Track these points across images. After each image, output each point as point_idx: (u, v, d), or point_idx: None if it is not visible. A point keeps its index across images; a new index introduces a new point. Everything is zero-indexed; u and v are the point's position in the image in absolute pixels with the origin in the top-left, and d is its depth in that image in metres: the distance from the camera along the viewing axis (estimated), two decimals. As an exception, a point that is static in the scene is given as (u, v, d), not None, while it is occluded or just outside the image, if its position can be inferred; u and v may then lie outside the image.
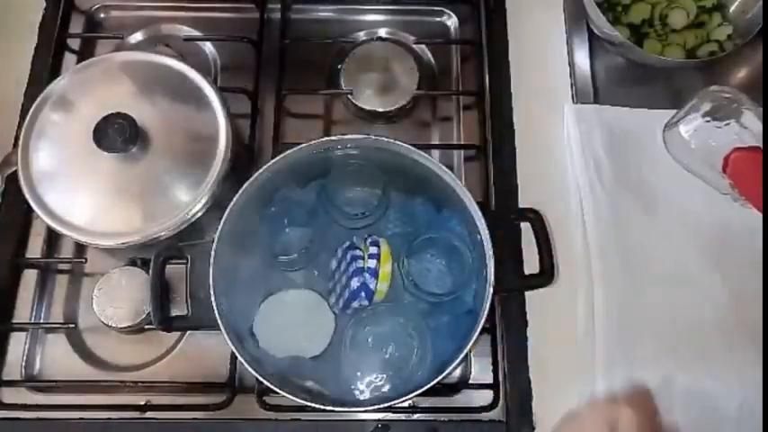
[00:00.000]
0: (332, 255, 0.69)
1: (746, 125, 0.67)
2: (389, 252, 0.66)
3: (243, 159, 0.75)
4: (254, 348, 0.64)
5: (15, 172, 0.69)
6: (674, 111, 0.76)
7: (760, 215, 0.68)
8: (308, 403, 0.59)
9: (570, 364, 0.71)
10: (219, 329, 0.60)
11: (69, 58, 0.86)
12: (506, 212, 0.74)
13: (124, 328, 0.71)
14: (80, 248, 0.77)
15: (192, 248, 0.64)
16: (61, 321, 0.75)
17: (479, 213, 0.64)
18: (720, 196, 0.74)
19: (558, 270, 0.65)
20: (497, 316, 0.73)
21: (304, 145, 0.66)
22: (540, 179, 0.79)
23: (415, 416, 0.70)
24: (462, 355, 0.59)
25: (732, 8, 0.84)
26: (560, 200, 0.77)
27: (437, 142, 0.83)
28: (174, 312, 0.66)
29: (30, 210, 0.69)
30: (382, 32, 0.89)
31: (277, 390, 0.59)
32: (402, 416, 0.70)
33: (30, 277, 0.76)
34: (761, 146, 0.65)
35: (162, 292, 0.64)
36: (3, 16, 0.87)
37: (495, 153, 0.80)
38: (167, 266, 0.65)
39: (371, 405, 0.62)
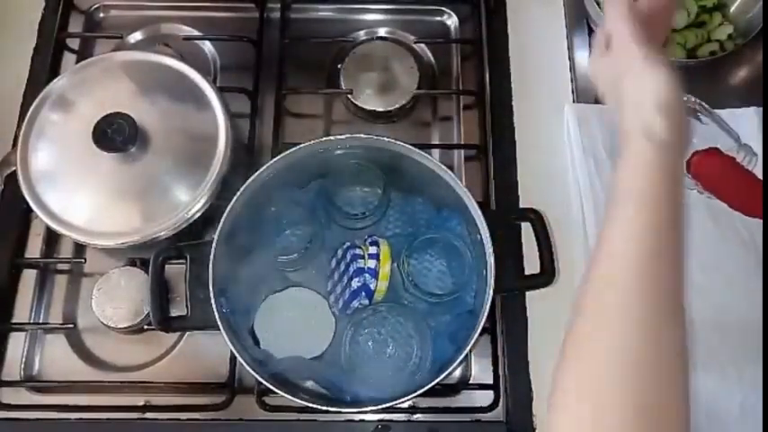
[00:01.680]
0: (332, 255, 0.69)
1: (703, 124, 0.71)
2: (389, 252, 0.66)
3: (243, 159, 0.75)
4: (253, 348, 0.64)
5: (14, 172, 0.69)
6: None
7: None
8: (308, 403, 0.59)
9: (571, 364, 0.70)
10: (219, 330, 0.60)
11: (68, 58, 0.86)
12: (507, 212, 0.74)
13: (123, 328, 0.71)
14: (79, 248, 0.77)
15: (192, 248, 0.64)
16: (60, 322, 0.75)
17: (479, 213, 0.63)
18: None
19: (559, 270, 0.64)
20: (497, 316, 0.73)
21: (304, 145, 0.66)
22: (541, 179, 0.79)
23: (416, 416, 0.70)
24: (462, 356, 0.59)
25: (733, 8, 0.84)
26: (561, 200, 0.77)
27: (437, 142, 0.83)
28: (174, 312, 0.66)
29: (29, 210, 0.69)
30: (382, 32, 0.89)
31: (277, 390, 0.59)
32: (402, 416, 0.70)
33: (29, 277, 0.76)
34: (717, 146, 0.69)
35: (161, 293, 0.64)
36: (2, 16, 0.87)
37: (495, 153, 0.80)
38: (167, 266, 0.64)
39: (371, 405, 0.61)
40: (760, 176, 0.70)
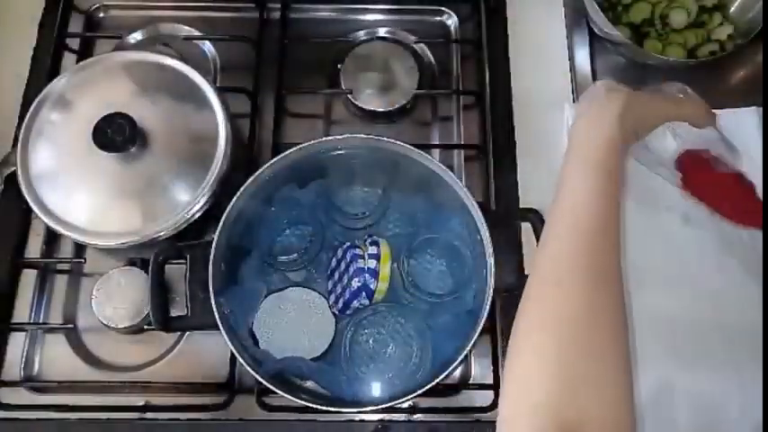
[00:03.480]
0: (332, 255, 0.69)
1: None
2: (389, 252, 0.66)
3: (243, 159, 0.75)
4: (254, 348, 0.64)
5: (14, 172, 0.69)
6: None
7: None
8: (308, 404, 0.59)
9: (570, 364, 0.70)
10: (219, 330, 0.60)
11: (69, 58, 0.86)
12: (506, 212, 0.74)
13: (123, 328, 0.71)
14: (79, 248, 0.77)
15: (192, 248, 0.64)
16: (60, 322, 0.75)
17: (479, 213, 0.63)
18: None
19: (559, 270, 0.64)
20: (497, 316, 0.73)
21: (304, 145, 0.66)
22: (540, 179, 0.79)
23: (416, 416, 0.70)
24: (462, 356, 0.59)
25: (733, 8, 0.84)
26: (561, 200, 0.77)
27: (437, 142, 0.83)
28: (174, 312, 0.66)
29: (29, 210, 0.69)
30: (382, 32, 0.89)
31: (277, 390, 0.59)
32: (402, 416, 0.70)
33: (29, 277, 0.76)
34: (707, 149, 0.68)
35: (161, 293, 0.64)
36: (2, 15, 0.87)
37: (495, 153, 0.80)
38: (167, 266, 0.64)
39: (371, 405, 0.61)
40: (747, 177, 0.69)
